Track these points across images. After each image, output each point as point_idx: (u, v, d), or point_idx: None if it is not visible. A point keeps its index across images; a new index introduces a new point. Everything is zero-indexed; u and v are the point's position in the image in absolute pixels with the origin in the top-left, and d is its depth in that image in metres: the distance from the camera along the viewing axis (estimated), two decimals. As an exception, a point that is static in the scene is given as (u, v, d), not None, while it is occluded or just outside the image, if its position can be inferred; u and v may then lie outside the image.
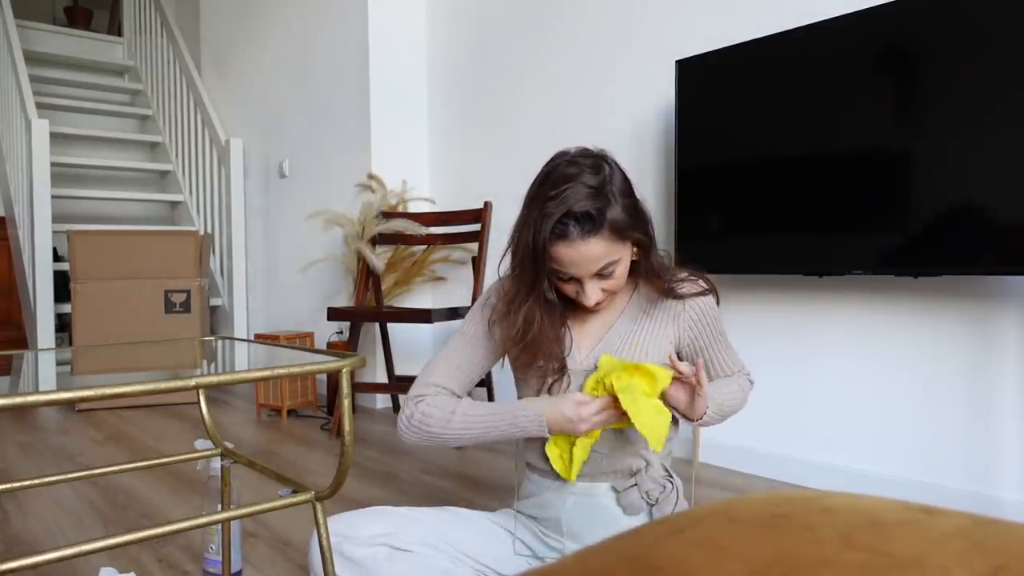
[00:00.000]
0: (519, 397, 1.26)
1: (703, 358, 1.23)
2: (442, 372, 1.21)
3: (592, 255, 1.05)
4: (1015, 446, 1.70)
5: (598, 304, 1.13)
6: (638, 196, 1.13)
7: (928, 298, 1.82)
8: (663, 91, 2.34)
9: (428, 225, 2.84)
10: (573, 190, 1.04)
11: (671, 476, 1.21)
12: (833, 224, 1.82)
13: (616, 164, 1.12)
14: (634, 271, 1.18)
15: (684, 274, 1.22)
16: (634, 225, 1.09)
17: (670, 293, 1.18)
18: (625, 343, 1.18)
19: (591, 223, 1.04)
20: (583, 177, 1.06)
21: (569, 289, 1.12)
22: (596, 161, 1.09)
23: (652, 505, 1.19)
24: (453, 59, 3.19)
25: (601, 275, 1.09)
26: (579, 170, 1.07)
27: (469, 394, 1.25)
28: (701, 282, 1.23)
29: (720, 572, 0.22)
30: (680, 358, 1.21)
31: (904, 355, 1.87)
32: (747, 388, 1.26)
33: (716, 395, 1.16)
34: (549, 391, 1.19)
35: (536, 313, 1.13)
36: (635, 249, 1.14)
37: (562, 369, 1.18)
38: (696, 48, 2.21)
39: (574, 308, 1.22)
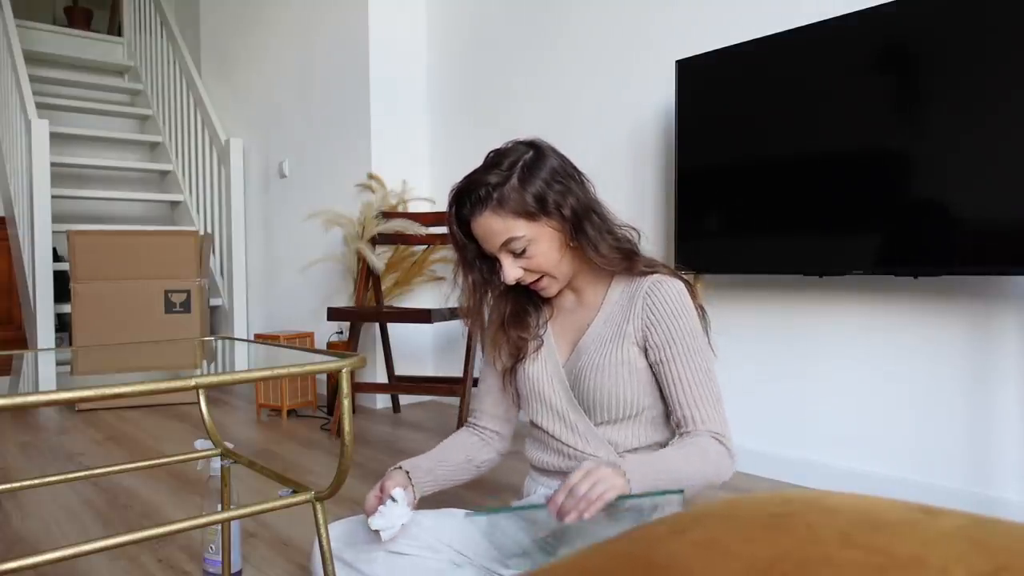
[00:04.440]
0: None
1: (665, 376, 1.14)
2: (477, 396, 1.35)
3: (489, 229, 1.12)
4: (1015, 446, 1.70)
5: (539, 288, 1.18)
6: (572, 184, 1.14)
7: (928, 298, 1.83)
8: (663, 91, 2.34)
9: (428, 225, 2.84)
10: (480, 170, 1.13)
11: None
12: (833, 224, 1.82)
13: (550, 153, 1.15)
14: (596, 263, 1.17)
15: (655, 267, 1.19)
16: (540, 207, 1.11)
17: (620, 267, 1.17)
18: (598, 349, 1.18)
19: (479, 200, 1.11)
20: (497, 159, 1.13)
21: (500, 268, 1.17)
22: (523, 147, 1.15)
23: (631, 512, 1.18)
24: (453, 59, 3.19)
25: (512, 252, 1.13)
26: (498, 153, 1.15)
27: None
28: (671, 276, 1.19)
29: (720, 571, 0.22)
30: (650, 364, 1.16)
31: (904, 355, 1.87)
32: (718, 458, 1.07)
33: (668, 463, 1.04)
34: (514, 376, 1.26)
35: (469, 281, 1.22)
36: (566, 235, 1.14)
37: (515, 347, 1.23)
38: (696, 48, 2.20)
39: (550, 306, 1.26)
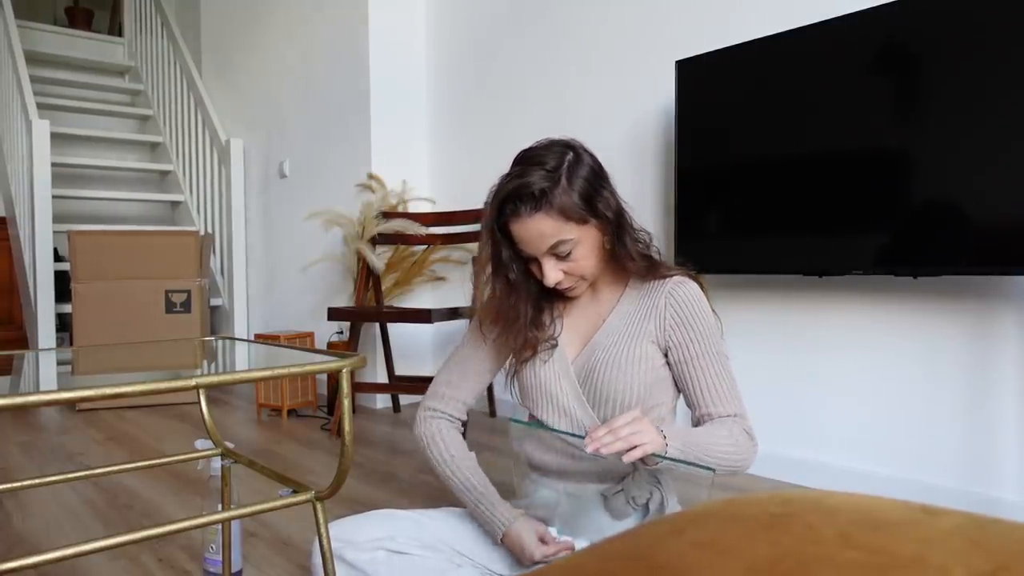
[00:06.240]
0: (521, 399, 1.28)
1: (686, 375, 1.16)
2: (450, 380, 1.29)
3: (537, 231, 1.11)
4: (1015, 446, 1.70)
5: (569, 289, 1.18)
6: (608, 185, 1.16)
7: (928, 298, 1.82)
8: (663, 91, 2.34)
9: (428, 225, 2.84)
10: (526, 171, 1.11)
11: (659, 482, 1.20)
12: (833, 224, 1.82)
13: (584, 153, 1.15)
14: (621, 266, 1.18)
15: (675, 270, 1.21)
16: (589, 209, 1.12)
17: (646, 273, 1.18)
18: (615, 343, 1.18)
19: (533, 201, 1.10)
20: (539, 159, 1.12)
21: (536, 270, 1.16)
22: (561, 148, 1.14)
23: (637, 510, 1.18)
24: (453, 59, 3.19)
25: (557, 255, 1.13)
26: (538, 154, 1.13)
27: (490, 395, 1.27)
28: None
29: (720, 571, 0.22)
30: (669, 364, 1.18)
31: (904, 355, 1.87)
32: (744, 442, 1.10)
33: (698, 439, 1.05)
34: (517, 373, 1.25)
35: (497, 286, 1.20)
36: (605, 237, 1.15)
37: (529, 348, 1.22)
38: (696, 48, 2.21)
39: (564, 300, 1.25)
